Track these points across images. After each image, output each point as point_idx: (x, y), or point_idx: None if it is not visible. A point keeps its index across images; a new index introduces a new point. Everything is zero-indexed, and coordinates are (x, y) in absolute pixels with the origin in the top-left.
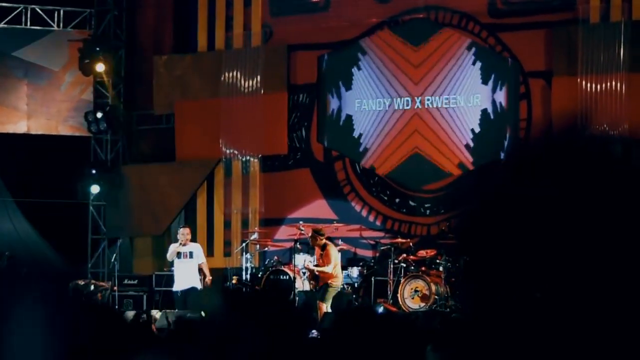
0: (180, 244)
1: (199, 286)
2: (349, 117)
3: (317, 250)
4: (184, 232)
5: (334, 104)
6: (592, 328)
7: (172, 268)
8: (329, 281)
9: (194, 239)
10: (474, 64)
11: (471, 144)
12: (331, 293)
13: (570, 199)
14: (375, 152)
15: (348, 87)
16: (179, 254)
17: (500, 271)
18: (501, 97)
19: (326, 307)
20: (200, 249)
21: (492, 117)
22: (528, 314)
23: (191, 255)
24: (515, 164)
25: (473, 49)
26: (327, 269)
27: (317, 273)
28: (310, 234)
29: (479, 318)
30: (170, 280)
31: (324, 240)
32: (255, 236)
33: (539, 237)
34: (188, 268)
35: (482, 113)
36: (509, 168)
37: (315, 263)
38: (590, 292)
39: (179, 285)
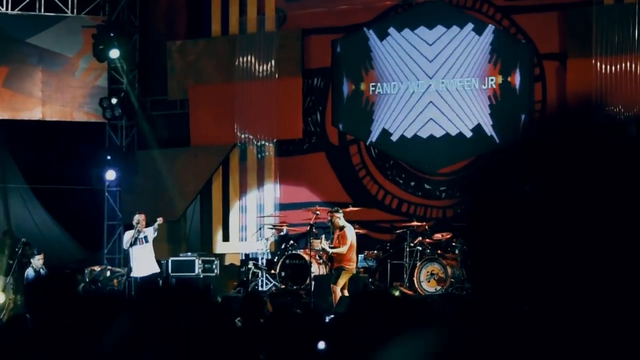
0: (137, 230)
1: (158, 270)
2: (364, 101)
3: (336, 232)
4: (139, 219)
5: (348, 87)
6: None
7: (189, 253)
8: (343, 264)
9: (208, 224)
10: (488, 46)
11: (486, 126)
12: (345, 276)
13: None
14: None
15: (363, 71)
16: (135, 240)
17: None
18: (516, 79)
19: (339, 290)
20: (151, 230)
21: (506, 99)
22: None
23: (146, 239)
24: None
25: (487, 32)
26: (341, 249)
27: (331, 254)
28: (329, 215)
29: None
30: (186, 265)
31: (342, 221)
32: (271, 221)
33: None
34: (145, 253)
35: (497, 95)
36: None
37: (332, 244)
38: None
39: (138, 272)
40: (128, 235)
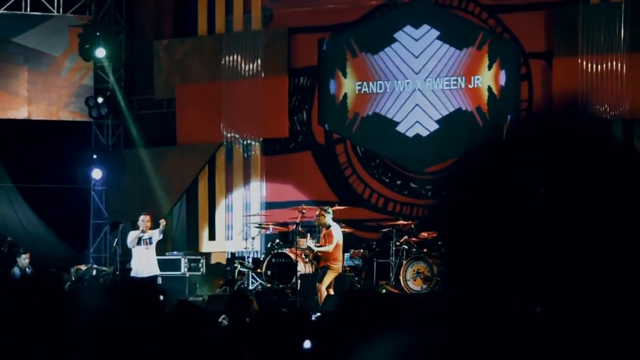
0: (142, 231)
1: (158, 273)
2: (348, 100)
3: (323, 231)
4: (144, 219)
5: (334, 86)
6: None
7: (175, 252)
8: (329, 263)
9: (194, 223)
10: (474, 45)
11: (472, 125)
12: (330, 275)
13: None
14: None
15: (349, 70)
16: (139, 241)
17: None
18: (502, 78)
19: (325, 288)
20: (157, 232)
21: (493, 98)
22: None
23: (150, 241)
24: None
25: (473, 30)
26: (327, 248)
27: (317, 252)
28: (317, 212)
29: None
30: (172, 264)
31: (330, 220)
32: (257, 220)
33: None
34: (148, 255)
35: (483, 94)
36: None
37: (318, 243)
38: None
39: (139, 272)
40: (133, 235)
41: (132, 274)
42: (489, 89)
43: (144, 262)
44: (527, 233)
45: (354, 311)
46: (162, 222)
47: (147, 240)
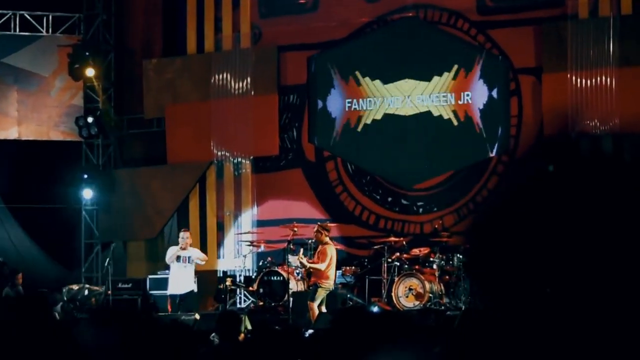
0: (181, 247)
1: (195, 289)
2: (340, 117)
3: (318, 247)
4: (184, 236)
5: (323, 104)
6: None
7: (167, 271)
8: (320, 281)
9: None
10: (463, 61)
11: (462, 142)
12: (320, 293)
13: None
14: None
15: (337, 87)
16: (178, 258)
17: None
18: (492, 94)
19: (316, 306)
20: (196, 252)
21: (483, 114)
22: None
23: (189, 260)
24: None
25: (462, 47)
26: (319, 265)
27: (309, 269)
28: (315, 228)
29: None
30: (164, 283)
31: (327, 238)
32: (248, 238)
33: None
34: (187, 272)
35: (472, 110)
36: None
37: (311, 259)
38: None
39: (175, 289)
40: (172, 251)
41: (170, 291)
42: (479, 105)
43: (182, 279)
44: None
45: (347, 329)
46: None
47: (187, 259)
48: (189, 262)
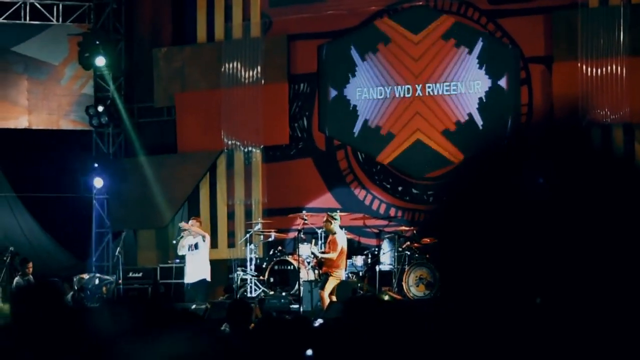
0: (190, 236)
1: (208, 277)
2: (351, 106)
3: (329, 237)
4: (192, 223)
5: (334, 93)
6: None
7: (178, 260)
8: (331, 270)
9: None
10: (473, 50)
11: (472, 131)
12: (331, 283)
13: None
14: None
15: (349, 76)
16: (188, 247)
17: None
18: (502, 83)
19: (327, 296)
20: (200, 237)
21: (493, 103)
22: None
23: (197, 246)
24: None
25: (472, 35)
26: (330, 255)
27: (321, 259)
28: (325, 218)
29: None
30: (175, 272)
31: (336, 227)
32: (259, 227)
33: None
34: (196, 260)
35: (482, 99)
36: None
37: (322, 250)
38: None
39: (188, 277)
40: (181, 242)
41: (185, 280)
42: (489, 93)
43: (192, 268)
44: (524, 235)
45: (358, 319)
46: (182, 224)
47: (194, 246)
48: (195, 249)
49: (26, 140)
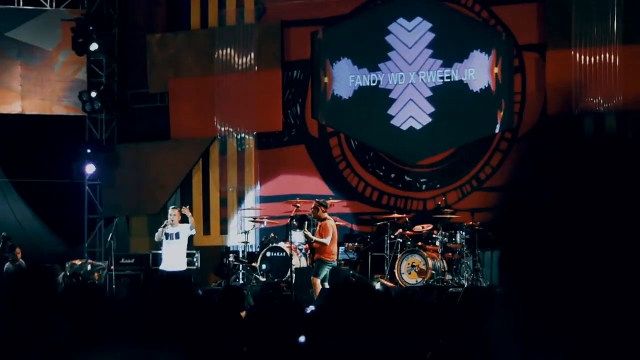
0: (169, 224)
1: (184, 268)
2: (345, 94)
3: (318, 223)
4: (172, 213)
5: (328, 79)
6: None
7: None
8: (323, 256)
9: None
10: (467, 37)
11: (465, 118)
12: (324, 269)
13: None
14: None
15: (342, 62)
16: (166, 235)
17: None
18: (495, 70)
19: (320, 282)
20: (187, 228)
21: (486, 90)
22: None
23: (177, 236)
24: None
25: (466, 22)
26: (324, 240)
27: (313, 243)
28: (313, 205)
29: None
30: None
31: (325, 214)
32: (251, 213)
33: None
34: (174, 249)
35: (475, 86)
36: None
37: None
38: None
39: (165, 266)
40: (159, 229)
41: (161, 267)
42: (482, 81)
43: (170, 257)
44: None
45: (346, 305)
46: (186, 211)
47: (174, 235)
48: (176, 238)
49: (19, 125)
